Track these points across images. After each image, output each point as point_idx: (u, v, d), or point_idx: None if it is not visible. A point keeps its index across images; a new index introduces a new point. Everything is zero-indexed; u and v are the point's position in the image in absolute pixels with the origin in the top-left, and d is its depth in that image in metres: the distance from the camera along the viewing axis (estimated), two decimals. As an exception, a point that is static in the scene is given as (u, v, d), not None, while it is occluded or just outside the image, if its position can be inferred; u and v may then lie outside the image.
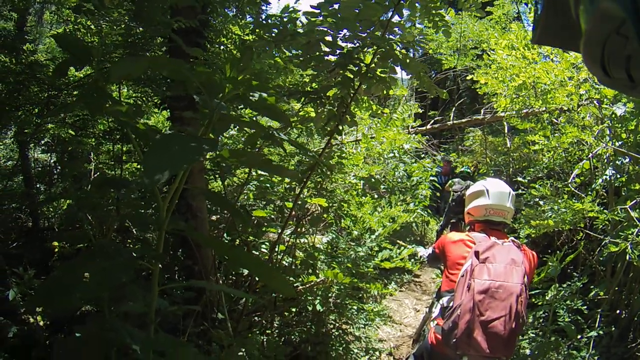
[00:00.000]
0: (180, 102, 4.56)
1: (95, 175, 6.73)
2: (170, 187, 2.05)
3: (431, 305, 4.90)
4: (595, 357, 4.85)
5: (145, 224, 3.23)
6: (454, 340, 3.46)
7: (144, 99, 5.77)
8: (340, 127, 3.99)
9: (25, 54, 5.73)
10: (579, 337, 5.12)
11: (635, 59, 0.70)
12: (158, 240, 2.06)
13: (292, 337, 5.25)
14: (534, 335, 5.57)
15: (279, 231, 4.44)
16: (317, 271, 4.99)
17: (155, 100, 5.65)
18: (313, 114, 4.32)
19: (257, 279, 5.27)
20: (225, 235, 5.42)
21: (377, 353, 6.11)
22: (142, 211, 3.35)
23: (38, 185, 7.45)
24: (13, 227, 7.13)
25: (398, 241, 7.89)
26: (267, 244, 5.20)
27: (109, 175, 6.18)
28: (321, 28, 3.73)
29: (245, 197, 6.00)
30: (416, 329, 6.11)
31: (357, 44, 3.85)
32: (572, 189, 5.87)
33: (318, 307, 4.81)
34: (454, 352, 3.51)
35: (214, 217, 5.99)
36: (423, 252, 4.85)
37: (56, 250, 5.24)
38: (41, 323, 4.54)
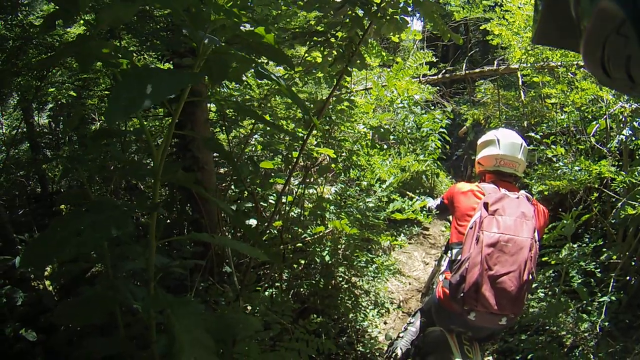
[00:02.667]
0: (183, 57, 4.42)
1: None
2: (165, 135, 1.94)
3: (440, 258, 4.80)
4: (606, 323, 4.73)
5: (141, 174, 3.13)
6: (461, 294, 3.34)
7: (143, 54, 5.60)
8: (350, 69, 3.79)
9: (20, 17, 5.56)
10: (590, 299, 5.00)
11: (635, 59, 0.70)
12: (153, 190, 1.95)
13: (302, 290, 5.21)
14: (543, 294, 5.45)
15: (286, 180, 4.32)
16: (326, 222, 4.88)
17: (158, 54, 5.48)
18: (320, 60, 4.16)
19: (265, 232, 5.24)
20: (233, 187, 5.35)
21: (386, 306, 6.09)
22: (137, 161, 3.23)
23: (45, 151, 7.38)
24: (20, 194, 7.11)
25: (408, 192, 7.75)
26: (275, 195, 5.11)
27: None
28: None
29: (253, 149, 5.91)
30: (425, 282, 6.05)
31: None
32: (590, 147, 5.74)
33: (327, 259, 4.71)
34: (461, 307, 3.38)
35: (222, 170, 5.91)
36: (431, 203, 4.75)
37: (63, 213, 5.17)
38: (50, 288, 4.49)
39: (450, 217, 4.16)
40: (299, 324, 3.32)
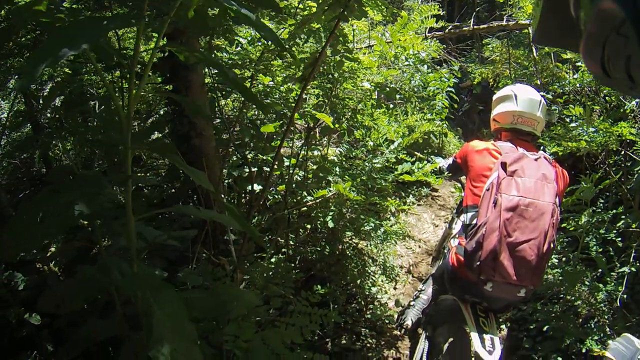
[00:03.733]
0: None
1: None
2: (130, 99, 1.71)
3: (451, 221, 4.56)
4: (624, 296, 4.47)
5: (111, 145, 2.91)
6: (478, 263, 3.08)
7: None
8: (346, 14, 3.45)
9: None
10: (608, 269, 4.72)
11: (635, 59, 0.70)
12: (123, 160, 1.74)
13: (308, 256, 5.02)
14: (557, 261, 5.17)
15: (280, 140, 4.07)
16: (331, 185, 4.63)
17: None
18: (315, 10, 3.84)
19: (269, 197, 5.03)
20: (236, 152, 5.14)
21: (396, 271, 5.89)
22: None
23: (47, 131, 7.21)
24: (24, 177, 6.94)
25: (416, 153, 7.52)
26: (278, 160, 4.89)
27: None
28: None
29: (256, 112, 5.67)
30: (435, 246, 5.85)
31: None
32: (604, 108, 5.48)
33: (330, 224, 4.49)
34: (477, 277, 3.11)
35: (225, 136, 5.71)
36: (442, 162, 4.50)
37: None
38: (55, 269, 4.34)
39: (464, 178, 3.91)
40: (302, 296, 3.09)
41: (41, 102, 6.87)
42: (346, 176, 4.52)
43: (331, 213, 4.53)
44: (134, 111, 1.71)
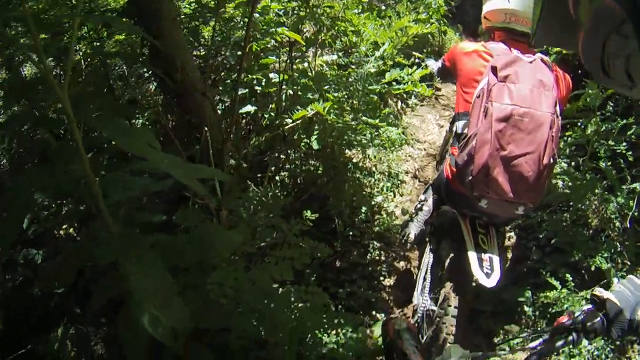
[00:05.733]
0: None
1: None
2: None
3: (452, 123, 4.41)
4: (635, 213, 4.28)
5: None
6: (470, 177, 2.95)
7: None
8: None
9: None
10: (619, 183, 4.50)
11: (635, 59, 0.70)
12: (71, 134, 1.64)
13: (302, 175, 4.92)
14: (566, 165, 4.90)
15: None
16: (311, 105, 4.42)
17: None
18: None
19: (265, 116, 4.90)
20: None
21: (400, 178, 5.78)
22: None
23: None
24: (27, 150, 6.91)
25: (414, 53, 7.24)
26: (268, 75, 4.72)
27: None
28: None
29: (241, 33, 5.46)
30: (439, 148, 5.72)
31: None
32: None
33: (314, 145, 4.32)
34: (471, 193, 2.98)
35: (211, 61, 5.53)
36: (433, 64, 4.30)
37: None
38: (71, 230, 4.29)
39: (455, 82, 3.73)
40: (292, 224, 2.98)
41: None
42: (329, 93, 4.29)
43: (315, 133, 4.34)
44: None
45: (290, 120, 4.23)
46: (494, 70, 3.01)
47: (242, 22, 4.73)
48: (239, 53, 4.40)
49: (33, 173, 1.60)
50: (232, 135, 3.77)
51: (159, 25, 4.02)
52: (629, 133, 4.52)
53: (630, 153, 4.52)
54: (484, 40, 3.63)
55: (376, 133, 4.74)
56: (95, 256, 1.85)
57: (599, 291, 2.04)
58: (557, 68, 3.24)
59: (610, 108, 4.96)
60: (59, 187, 1.76)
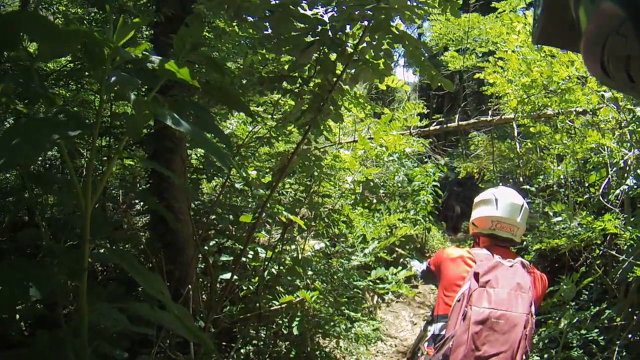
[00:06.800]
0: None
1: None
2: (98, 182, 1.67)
3: (427, 323, 4.45)
4: None
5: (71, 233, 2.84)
6: None
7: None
8: (320, 120, 3.41)
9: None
10: None
11: (635, 59, 0.71)
12: (81, 254, 1.69)
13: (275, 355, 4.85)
14: (539, 359, 4.98)
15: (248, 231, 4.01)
16: (298, 291, 4.48)
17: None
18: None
19: (243, 287, 4.92)
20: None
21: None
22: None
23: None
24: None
25: (397, 249, 7.44)
26: (256, 250, 4.82)
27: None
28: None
29: (238, 199, 5.64)
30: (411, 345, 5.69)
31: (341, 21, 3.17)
32: (588, 199, 5.47)
33: (295, 331, 4.34)
34: None
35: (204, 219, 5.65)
36: (417, 266, 4.39)
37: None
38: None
39: (437, 284, 3.82)
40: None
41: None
42: (316, 282, 4.40)
43: (297, 319, 4.39)
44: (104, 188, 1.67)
45: (276, 302, 4.25)
46: (476, 276, 3.11)
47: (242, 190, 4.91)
48: (231, 217, 4.54)
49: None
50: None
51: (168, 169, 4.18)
52: (601, 318, 4.61)
53: (602, 338, 4.60)
54: (467, 238, 3.75)
55: (350, 326, 4.75)
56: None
57: None
58: (535, 269, 3.35)
59: (585, 296, 5.08)
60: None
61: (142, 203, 5.93)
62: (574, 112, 6.55)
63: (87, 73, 4.20)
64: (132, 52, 1.58)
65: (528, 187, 6.64)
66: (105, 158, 4.82)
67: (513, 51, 6.95)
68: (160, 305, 1.89)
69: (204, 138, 1.72)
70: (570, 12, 0.84)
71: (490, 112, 11.32)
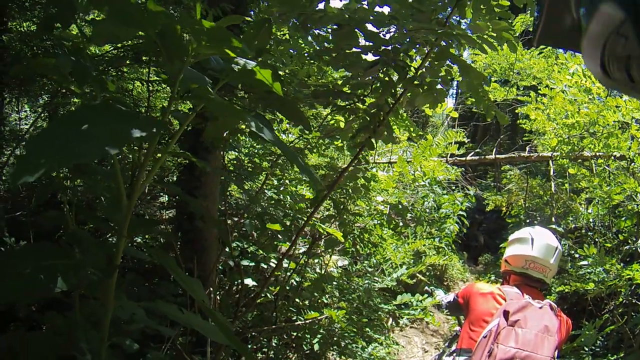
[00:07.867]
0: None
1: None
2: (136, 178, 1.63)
3: (441, 353, 4.40)
4: None
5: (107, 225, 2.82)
6: None
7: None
8: (374, 142, 3.40)
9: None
10: None
11: (635, 59, 0.70)
12: (116, 251, 1.64)
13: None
14: None
15: (289, 246, 4.00)
16: (325, 304, 4.46)
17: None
18: (343, 125, 3.80)
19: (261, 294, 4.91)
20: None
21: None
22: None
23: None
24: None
25: (418, 275, 7.39)
26: (279, 258, 4.81)
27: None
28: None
29: (265, 205, 5.63)
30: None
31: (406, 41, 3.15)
32: (615, 245, 5.40)
33: (316, 347, 4.32)
34: None
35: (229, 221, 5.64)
36: (442, 296, 4.34)
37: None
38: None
39: (463, 318, 3.77)
40: None
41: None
42: (342, 302, 4.38)
43: (319, 336, 4.36)
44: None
45: (301, 318, 4.24)
46: (506, 314, 3.07)
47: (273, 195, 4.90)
48: (256, 222, 4.52)
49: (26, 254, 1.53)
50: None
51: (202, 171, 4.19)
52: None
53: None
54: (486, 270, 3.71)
55: (366, 347, 4.72)
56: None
57: None
58: (562, 313, 3.31)
59: (600, 343, 5.01)
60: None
61: (168, 196, 5.96)
62: (612, 157, 6.48)
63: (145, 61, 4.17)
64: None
65: (556, 227, 6.57)
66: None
67: (562, 90, 6.88)
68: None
69: (286, 149, 1.65)
70: (572, 13, 0.86)
71: (527, 149, 11.25)
